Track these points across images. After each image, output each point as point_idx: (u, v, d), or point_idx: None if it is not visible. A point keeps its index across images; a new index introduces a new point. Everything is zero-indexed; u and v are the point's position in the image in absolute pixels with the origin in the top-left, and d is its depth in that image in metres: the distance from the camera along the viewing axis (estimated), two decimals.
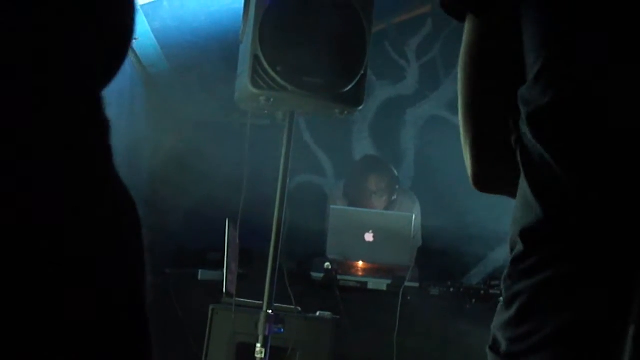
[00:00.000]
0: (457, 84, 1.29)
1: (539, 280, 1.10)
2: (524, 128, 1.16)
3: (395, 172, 4.92)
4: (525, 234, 1.13)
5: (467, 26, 1.27)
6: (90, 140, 0.68)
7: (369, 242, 4.27)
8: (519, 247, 1.13)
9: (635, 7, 1.10)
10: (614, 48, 1.11)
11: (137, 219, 0.72)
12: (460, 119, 1.29)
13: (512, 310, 1.12)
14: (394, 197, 4.83)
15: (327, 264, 4.11)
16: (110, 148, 0.69)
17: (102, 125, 0.69)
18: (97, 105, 0.69)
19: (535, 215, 1.11)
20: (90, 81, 0.68)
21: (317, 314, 3.57)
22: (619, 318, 1.05)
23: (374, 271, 4.27)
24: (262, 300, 3.06)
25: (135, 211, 0.72)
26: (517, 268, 1.13)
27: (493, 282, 4.04)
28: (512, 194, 1.23)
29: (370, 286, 4.16)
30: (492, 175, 1.26)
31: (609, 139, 1.09)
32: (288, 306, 3.33)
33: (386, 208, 4.78)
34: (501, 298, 1.19)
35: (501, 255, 5.40)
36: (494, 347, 1.16)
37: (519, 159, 1.17)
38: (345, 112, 3.12)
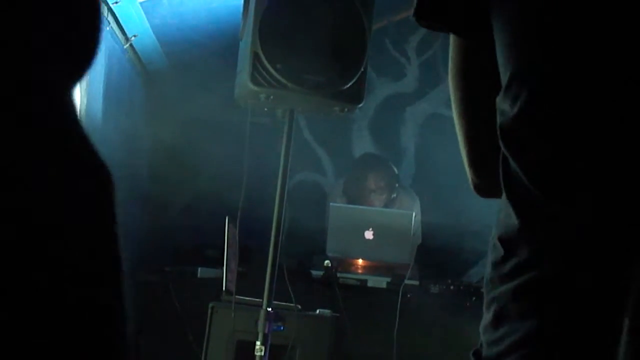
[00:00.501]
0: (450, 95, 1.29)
1: (514, 285, 1.11)
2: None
3: (395, 169, 4.92)
4: (504, 241, 1.14)
5: (451, 42, 1.27)
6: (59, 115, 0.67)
7: (368, 240, 4.26)
8: (499, 251, 1.14)
9: (602, 17, 1.10)
10: (581, 60, 1.11)
11: (112, 193, 0.71)
12: (456, 128, 1.30)
13: (490, 314, 1.14)
14: (394, 195, 4.82)
15: (326, 261, 4.11)
16: (78, 121, 0.69)
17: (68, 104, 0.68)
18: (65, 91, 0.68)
19: (512, 223, 1.13)
20: (61, 64, 0.68)
21: (317, 311, 3.57)
22: (592, 321, 1.06)
23: (374, 269, 4.26)
24: (262, 298, 3.06)
25: (111, 185, 0.71)
26: (496, 273, 1.15)
27: None
28: None
29: (370, 284, 4.16)
30: (491, 182, 1.27)
31: (576, 152, 1.10)
32: (288, 304, 3.32)
33: (386, 206, 4.78)
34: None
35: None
36: (478, 351, 1.17)
37: (500, 166, 1.17)
38: (345, 110, 3.12)
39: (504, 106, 1.15)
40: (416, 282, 4.13)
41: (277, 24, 2.98)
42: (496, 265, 1.15)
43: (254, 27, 2.96)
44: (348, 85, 3.03)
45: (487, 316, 1.16)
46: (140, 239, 4.98)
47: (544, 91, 1.12)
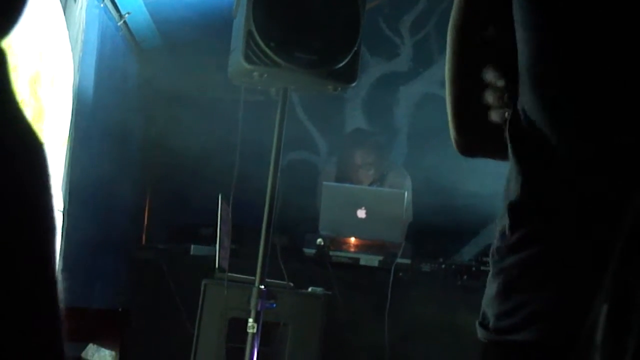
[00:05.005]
0: (446, 50, 1.29)
1: (524, 256, 1.11)
2: (524, 102, 1.16)
3: (384, 146, 4.92)
4: (513, 209, 1.13)
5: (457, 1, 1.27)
6: None
7: (361, 219, 4.28)
8: (506, 220, 1.14)
9: None
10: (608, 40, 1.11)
11: (40, 160, 0.66)
12: (446, 84, 1.29)
13: (498, 285, 1.13)
14: (383, 172, 4.83)
15: (319, 240, 4.12)
16: (8, 81, 0.65)
17: None
18: None
19: (521, 191, 1.12)
20: None
21: (309, 289, 3.59)
22: (597, 295, 1.06)
23: (366, 247, 4.28)
24: (255, 276, 3.07)
25: (39, 152, 0.66)
26: (503, 243, 1.14)
27: (484, 259, 4.06)
28: (496, 157, 1.24)
29: (362, 262, 4.18)
30: (473, 139, 1.28)
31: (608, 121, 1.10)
32: (280, 282, 3.34)
33: (374, 182, 4.79)
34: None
35: (494, 232, 5.42)
36: (483, 322, 1.17)
37: (507, 134, 1.17)
38: (339, 89, 3.12)
39: (539, 69, 1.15)
40: (408, 261, 4.15)
41: (271, 2, 2.97)
42: (503, 234, 1.14)
43: (248, 5, 2.95)
44: (341, 64, 3.03)
45: (494, 287, 1.15)
46: (133, 216, 4.99)
47: (567, 39, 1.12)
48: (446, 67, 1.29)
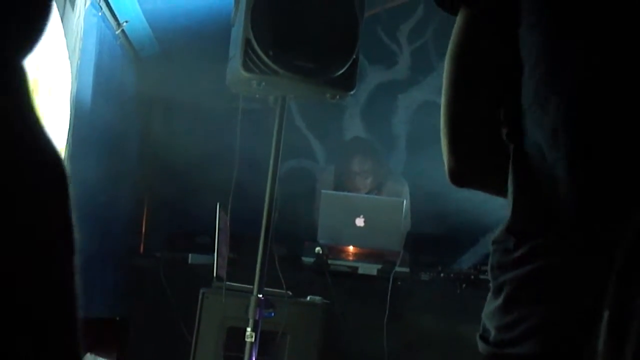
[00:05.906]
0: (443, 76, 1.28)
1: (526, 271, 1.11)
2: (527, 121, 1.16)
3: (383, 154, 4.92)
4: (516, 229, 1.14)
5: (459, 20, 1.26)
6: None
7: (359, 227, 4.27)
8: (510, 239, 1.14)
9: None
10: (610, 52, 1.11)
11: (59, 176, 0.66)
12: (442, 110, 1.29)
13: (500, 300, 1.13)
14: (382, 180, 4.83)
15: (317, 248, 4.11)
16: (28, 96, 0.65)
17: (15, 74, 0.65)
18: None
19: (522, 212, 1.13)
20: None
21: (308, 298, 3.57)
22: (597, 307, 1.06)
23: (365, 256, 4.27)
24: (253, 285, 3.07)
25: (59, 168, 0.66)
26: (505, 258, 1.14)
27: (483, 268, 4.06)
28: (491, 191, 1.24)
29: (360, 271, 4.17)
30: (469, 168, 1.27)
31: (612, 139, 1.10)
32: (278, 290, 3.33)
33: (372, 190, 4.79)
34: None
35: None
36: (484, 335, 1.17)
37: (510, 154, 1.17)
38: (337, 97, 3.12)
39: (533, 79, 1.15)
40: (407, 270, 4.14)
41: (269, 11, 2.97)
42: (506, 251, 1.14)
43: (246, 13, 2.95)
44: (340, 72, 3.03)
45: (495, 302, 1.15)
46: (131, 225, 4.98)
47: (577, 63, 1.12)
48: (445, 93, 1.27)
